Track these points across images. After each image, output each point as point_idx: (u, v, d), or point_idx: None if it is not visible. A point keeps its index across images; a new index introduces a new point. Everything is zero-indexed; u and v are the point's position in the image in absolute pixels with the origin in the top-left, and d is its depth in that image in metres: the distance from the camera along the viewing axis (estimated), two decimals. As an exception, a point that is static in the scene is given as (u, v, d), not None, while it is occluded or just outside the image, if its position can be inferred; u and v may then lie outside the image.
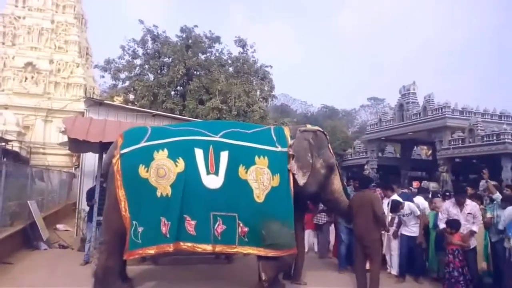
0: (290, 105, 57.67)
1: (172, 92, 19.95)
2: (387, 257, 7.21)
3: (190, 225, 5.18)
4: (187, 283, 5.99)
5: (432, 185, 19.82)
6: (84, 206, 8.64)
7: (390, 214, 6.80)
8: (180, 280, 6.24)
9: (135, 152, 5.43)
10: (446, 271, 5.79)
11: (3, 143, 18.30)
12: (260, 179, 5.38)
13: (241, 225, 5.25)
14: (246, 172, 5.39)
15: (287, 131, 5.99)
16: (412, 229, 6.78)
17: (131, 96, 19.58)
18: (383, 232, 6.49)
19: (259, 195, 5.33)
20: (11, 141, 19.95)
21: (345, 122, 50.12)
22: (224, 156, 5.45)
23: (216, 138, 5.60)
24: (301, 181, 5.54)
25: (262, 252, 5.28)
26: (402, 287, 6.42)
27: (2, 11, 27.84)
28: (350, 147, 33.81)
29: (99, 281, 5.30)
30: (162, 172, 5.28)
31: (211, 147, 5.48)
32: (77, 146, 7.51)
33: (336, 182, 6.06)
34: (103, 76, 21.20)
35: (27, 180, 9.70)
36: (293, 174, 5.54)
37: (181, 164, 5.33)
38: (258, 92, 20.69)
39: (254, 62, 20.99)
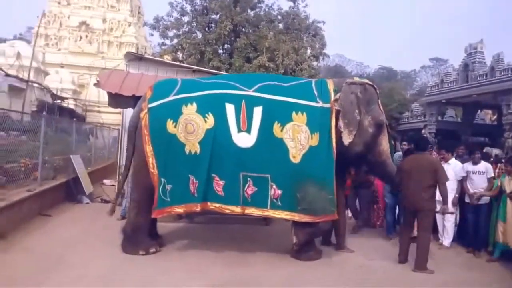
0: (344, 66, 55.37)
1: (220, 50, 19.50)
2: (439, 227, 6.52)
3: (219, 185, 4.83)
4: (221, 243, 5.75)
5: (495, 152, 18.23)
6: (125, 161, 8.61)
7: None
8: (214, 239, 6.02)
9: (163, 106, 5.09)
10: None
11: (59, 100, 19.01)
12: (297, 138, 4.85)
13: (274, 187, 4.80)
14: (282, 130, 4.88)
15: (330, 84, 5.31)
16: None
17: (179, 55, 19.40)
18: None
19: (296, 155, 4.81)
20: (67, 98, 20.70)
21: (403, 84, 47.36)
22: (258, 112, 4.96)
23: (250, 92, 5.09)
24: (347, 140, 4.93)
25: (296, 217, 4.85)
26: (457, 262, 5.73)
27: (57, -28, 28.31)
28: (407, 110, 31.90)
29: (128, 238, 5.18)
30: (191, 127, 4.92)
31: (243, 102, 4.99)
32: (115, 101, 7.31)
33: (385, 143, 5.37)
34: (152, 35, 21.10)
35: (72, 136, 9.84)
36: (337, 132, 4.92)
37: (210, 119, 4.92)
38: (309, 50, 19.68)
39: (305, 18, 19.84)
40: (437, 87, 27.60)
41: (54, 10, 27.57)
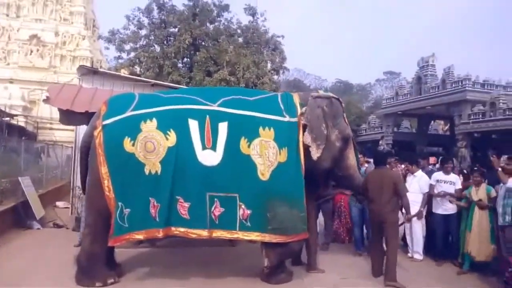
0: (303, 80, 56.33)
1: (179, 64, 19.18)
2: (408, 241, 6.50)
3: (183, 207, 4.48)
4: (185, 268, 5.37)
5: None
6: (78, 183, 8.02)
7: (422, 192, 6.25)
8: (178, 264, 5.62)
9: (120, 123, 4.70)
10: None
11: (8, 118, 17.81)
12: (265, 154, 4.61)
13: (242, 207, 4.52)
14: (249, 146, 4.63)
15: (296, 98, 5.15)
16: (448, 206, 6.13)
17: (137, 68, 18.85)
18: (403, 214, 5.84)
19: (264, 172, 4.57)
20: (16, 115, 19.45)
21: (359, 97, 48.78)
22: (223, 128, 4.68)
23: (214, 107, 4.82)
24: (315, 155, 4.77)
25: (266, 238, 4.59)
26: (428, 275, 5.67)
27: (5, -18, 26.94)
28: (364, 122, 32.76)
29: (83, 269, 4.69)
30: (151, 146, 4.56)
31: (207, 117, 4.71)
32: (67, 117, 6.83)
33: (351, 157, 5.34)
34: (107, 48, 20.47)
35: (20, 155, 9.12)
36: (305, 148, 4.75)
37: (172, 137, 4.59)
38: (269, 64, 19.80)
39: (265, 32, 19.97)
40: (392, 100, 28.60)
41: (2, 23, 26.09)
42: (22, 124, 20.30)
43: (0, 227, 6.97)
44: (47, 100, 6.36)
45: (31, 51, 25.71)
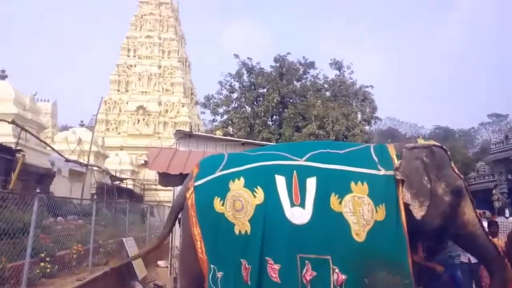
0: (397, 128, 54.08)
1: (269, 122, 19.74)
2: None
3: (273, 270, 4.22)
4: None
5: None
6: (177, 243, 8.29)
7: None
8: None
9: (210, 183, 4.74)
10: None
11: (118, 182, 19.66)
12: (359, 212, 4.19)
13: (336, 271, 4.09)
14: (340, 203, 4.26)
15: (391, 149, 4.69)
16: None
17: (230, 129, 19.81)
18: None
19: (359, 232, 4.13)
20: (125, 179, 21.44)
21: (463, 143, 44.92)
22: (311, 183, 4.42)
23: (301, 162, 4.62)
24: (419, 213, 4.16)
25: (365, 307, 4.05)
26: None
27: (117, 62, 31.17)
28: (472, 170, 29.74)
29: (177, 333, 4.61)
30: (239, 204, 4.47)
31: (294, 172, 4.51)
32: (165, 179, 7.22)
33: (468, 212, 4.44)
34: (203, 112, 22.01)
35: (125, 216, 9.79)
36: (406, 205, 4.22)
37: (260, 194, 4.46)
38: (359, 115, 19.40)
39: (352, 84, 19.88)
40: (502, 144, 25.77)
41: (114, 97, 29.90)
42: (130, 186, 22.21)
43: (105, 287, 7.34)
44: (145, 165, 6.82)
45: (138, 120, 28.81)
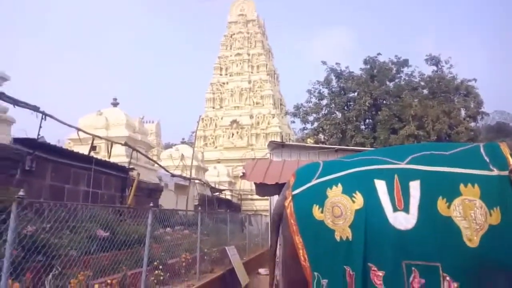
0: (508, 122, 48.52)
1: (361, 126, 19.20)
2: None
3: (377, 277, 4.06)
4: None
5: None
6: (280, 252, 8.44)
7: None
8: None
9: (307, 192, 4.76)
10: None
11: (217, 193, 20.70)
12: (470, 216, 3.87)
13: (447, 278, 3.80)
14: (449, 207, 3.97)
15: (505, 148, 4.25)
16: None
17: (321, 136, 19.67)
18: None
19: (471, 237, 3.80)
20: (223, 190, 22.48)
21: None
22: (415, 187, 4.19)
23: (402, 165, 4.42)
24: None
25: (486, 319, 3.71)
26: None
27: (211, 81, 33.06)
28: None
29: None
30: (338, 210, 4.41)
31: (396, 176, 4.32)
32: (261, 190, 7.43)
33: None
34: (293, 122, 22.19)
35: (227, 226, 10.25)
36: None
37: (359, 199, 4.35)
38: (463, 111, 17.88)
39: (452, 79, 18.43)
40: None
41: (209, 114, 31.72)
42: (228, 197, 23.21)
43: (212, 294, 7.74)
44: (243, 176, 7.12)
45: (232, 134, 30.17)
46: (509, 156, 4.12)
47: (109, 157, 11.44)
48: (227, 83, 32.35)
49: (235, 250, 9.54)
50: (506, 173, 4.00)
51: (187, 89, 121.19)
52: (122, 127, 14.34)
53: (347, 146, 14.56)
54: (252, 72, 32.93)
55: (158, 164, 14.97)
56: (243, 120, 30.42)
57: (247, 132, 30.17)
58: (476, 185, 3.99)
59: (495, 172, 4.04)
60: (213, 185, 20.33)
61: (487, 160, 4.18)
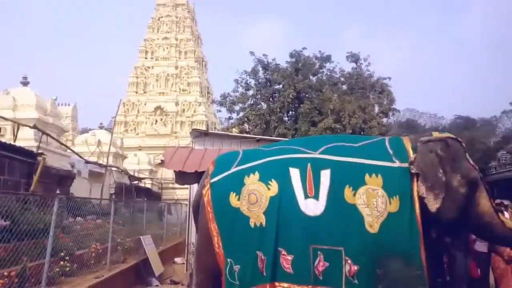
0: (417, 120, 53.13)
1: (285, 118, 19.73)
2: None
3: (287, 260, 4.22)
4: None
5: None
6: (193, 239, 8.40)
7: None
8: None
9: (225, 179, 4.79)
10: None
11: (136, 181, 19.99)
12: (372, 203, 4.15)
13: (349, 261, 4.06)
14: (354, 195, 4.23)
15: (407, 142, 4.62)
16: None
17: (246, 126, 19.86)
18: None
19: (372, 223, 4.09)
20: (143, 178, 21.76)
21: (485, 132, 43.76)
22: (326, 175, 4.41)
23: (315, 155, 4.62)
24: (434, 206, 4.10)
25: (376, 298, 4.02)
26: None
27: (135, 64, 31.63)
28: (493, 159, 29.04)
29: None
30: (254, 198, 4.50)
31: (309, 165, 4.50)
32: (181, 178, 7.33)
33: (484, 202, 4.38)
34: (219, 111, 22.09)
35: (143, 215, 9.97)
36: (420, 198, 4.19)
37: (274, 186, 4.48)
38: (376, 108, 19.17)
39: (369, 76, 19.63)
40: (527, 132, 25.08)
41: (132, 99, 30.37)
42: (148, 186, 22.55)
43: (123, 284, 7.48)
44: (162, 164, 6.94)
45: (156, 121, 29.20)
46: (410, 149, 4.47)
47: (15, 140, 10.47)
48: (153, 67, 31.16)
49: (151, 240, 9.32)
50: (406, 165, 4.33)
51: (109, 72, 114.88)
52: (32, 108, 13.19)
53: (271, 136, 14.91)
54: (179, 58, 32.08)
55: (70, 149, 14.00)
56: (168, 106, 29.57)
57: (172, 119, 29.40)
58: (379, 175, 4.28)
59: (397, 163, 4.35)
60: (132, 173, 19.58)
61: (391, 152, 4.50)
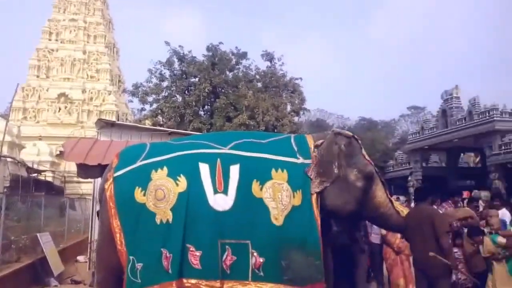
0: (326, 119, 56.28)
1: (200, 112, 19.59)
2: None
3: (195, 256, 4.21)
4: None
5: (484, 194, 18.01)
6: (96, 237, 7.94)
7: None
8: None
9: (130, 174, 4.59)
10: None
11: (35, 174, 18.32)
12: (278, 197, 4.33)
13: (255, 254, 4.19)
14: (261, 189, 4.36)
15: (310, 140, 4.88)
16: None
17: (160, 118, 19.30)
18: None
19: (278, 216, 4.27)
20: (43, 171, 20.01)
21: (384, 134, 47.95)
22: (235, 170, 4.47)
23: (225, 150, 4.66)
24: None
25: (281, 289, 4.21)
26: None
27: (37, 46, 28.85)
28: (391, 158, 32.01)
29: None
30: (161, 193, 4.39)
31: (218, 160, 4.53)
32: (84, 171, 6.86)
33: (380, 194, 4.76)
34: (131, 101, 21.21)
35: (41, 211, 9.19)
36: (322, 190, 4.44)
37: (182, 182, 4.42)
38: (289, 106, 19.92)
39: (283, 75, 20.28)
40: (418, 134, 28.01)
41: (32, 84, 27.68)
42: (49, 179, 20.80)
43: (16, 285, 6.84)
44: (61, 155, 6.44)
45: (59, 109, 26.92)
46: (312, 147, 4.75)
47: None
48: (57, 50, 28.65)
49: (49, 237, 8.62)
50: (309, 161, 4.58)
51: (6, 53, 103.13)
52: None
53: (186, 130, 14.66)
54: (88, 42, 29.95)
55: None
56: (73, 94, 27.44)
57: (78, 107, 27.35)
58: (285, 170, 4.46)
59: (301, 160, 4.58)
60: (31, 165, 17.89)
61: (296, 149, 4.71)
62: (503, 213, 6.27)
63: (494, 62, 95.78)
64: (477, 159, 30.56)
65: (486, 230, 5.66)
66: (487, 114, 21.43)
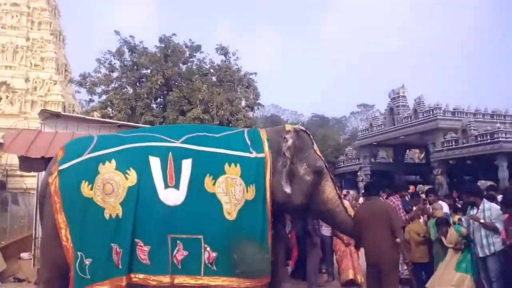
0: (280, 115, 57.00)
1: (152, 105, 19.14)
2: None
3: (143, 252, 4.16)
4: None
5: (427, 188, 19.11)
6: (41, 233, 7.57)
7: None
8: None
9: (76, 167, 4.42)
10: None
11: (-28, 167, 17.10)
12: (231, 192, 4.35)
13: (208, 249, 4.20)
14: (214, 184, 4.37)
15: (263, 134, 4.92)
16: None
17: (109, 110, 18.62)
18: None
19: (231, 211, 4.29)
20: (-19, 164, 18.71)
21: (336, 130, 49.47)
22: (187, 165, 4.44)
23: (177, 144, 4.60)
24: (287, 189, 4.51)
25: (234, 283, 4.23)
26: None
27: (-26, 30, 26.77)
28: (342, 154, 33.03)
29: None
30: (109, 188, 4.27)
31: (170, 154, 4.47)
32: (26, 164, 6.49)
33: (329, 190, 4.84)
34: (79, 92, 20.35)
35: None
36: (272, 185, 4.50)
37: (132, 176, 4.32)
38: (243, 101, 19.93)
39: (237, 70, 20.23)
40: (367, 131, 29.09)
41: (-31, 71, 25.68)
42: (-11, 173, 19.49)
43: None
44: (0, 147, 6.05)
45: (1, 98, 25.20)
46: (265, 141, 4.79)
47: None
48: (-3, 36, 26.77)
49: (-12, 234, 8.10)
50: (262, 155, 4.61)
51: None
52: None
53: (137, 123, 14.24)
54: (32, 29, 28.11)
55: None
56: (15, 83, 25.71)
57: (20, 97, 25.65)
58: (238, 165, 4.48)
59: (254, 154, 4.61)
60: (-34, 157, 16.68)
61: (249, 143, 4.73)
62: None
63: (439, 62, 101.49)
64: (422, 155, 32.32)
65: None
66: (431, 113, 22.66)
